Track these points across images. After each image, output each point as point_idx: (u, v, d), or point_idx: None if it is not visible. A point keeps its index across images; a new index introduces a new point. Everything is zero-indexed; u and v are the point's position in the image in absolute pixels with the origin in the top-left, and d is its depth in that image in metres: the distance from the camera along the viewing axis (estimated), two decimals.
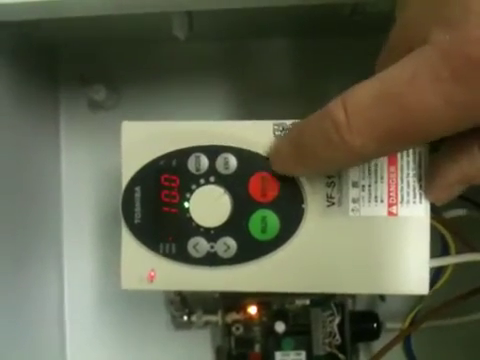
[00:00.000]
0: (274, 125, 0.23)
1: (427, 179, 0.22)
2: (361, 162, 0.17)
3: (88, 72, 0.37)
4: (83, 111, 0.37)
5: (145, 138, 0.24)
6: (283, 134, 0.22)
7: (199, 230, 0.23)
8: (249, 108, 0.34)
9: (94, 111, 0.37)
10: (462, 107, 0.15)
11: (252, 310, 0.33)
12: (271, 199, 0.23)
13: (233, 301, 0.33)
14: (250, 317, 0.33)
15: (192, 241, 0.23)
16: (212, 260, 0.23)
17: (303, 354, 0.33)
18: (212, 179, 0.23)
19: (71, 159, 0.38)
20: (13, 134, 0.32)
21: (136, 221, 0.24)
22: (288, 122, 0.23)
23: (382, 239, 0.23)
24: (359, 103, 0.16)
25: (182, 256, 0.23)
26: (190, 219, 0.23)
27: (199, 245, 0.23)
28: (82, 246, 0.38)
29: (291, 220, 0.23)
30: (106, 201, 0.38)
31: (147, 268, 0.24)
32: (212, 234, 0.23)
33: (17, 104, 0.33)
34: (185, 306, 0.34)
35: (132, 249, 0.24)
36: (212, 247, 0.23)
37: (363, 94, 0.16)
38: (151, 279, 0.24)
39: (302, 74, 0.35)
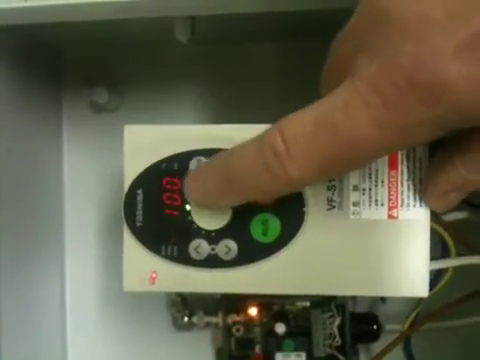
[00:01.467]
0: None
1: (423, 187, 0.22)
2: (297, 190, 0.18)
3: (91, 74, 0.37)
4: (86, 113, 0.38)
5: (147, 141, 0.24)
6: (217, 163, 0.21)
7: (200, 232, 0.24)
8: (252, 111, 0.34)
9: (97, 113, 0.37)
10: (395, 131, 0.15)
11: (253, 311, 0.33)
12: (272, 203, 0.23)
13: (234, 302, 0.33)
14: (251, 318, 0.33)
15: (193, 243, 0.24)
16: (213, 262, 0.23)
17: (303, 355, 0.33)
18: None
19: (73, 161, 0.38)
20: (16, 136, 0.32)
21: (138, 224, 0.24)
22: None
23: (382, 242, 0.23)
24: (297, 132, 0.16)
25: (183, 258, 0.24)
26: (191, 222, 0.24)
27: (200, 247, 0.24)
28: (84, 247, 0.38)
29: (292, 223, 0.23)
30: (108, 202, 0.38)
31: (149, 270, 0.24)
32: (213, 236, 0.23)
33: (20, 106, 0.33)
34: (186, 307, 0.35)
35: (134, 251, 0.24)
36: (213, 249, 0.24)
37: (300, 123, 0.16)
38: (153, 281, 0.24)
39: (305, 77, 0.35)
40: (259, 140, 0.18)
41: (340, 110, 0.15)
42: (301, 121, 0.16)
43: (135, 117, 0.37)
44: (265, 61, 0.36)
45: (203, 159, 0.24)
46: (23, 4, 0.24)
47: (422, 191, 0.22)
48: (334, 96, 0.16)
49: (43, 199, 0.36)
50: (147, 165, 0.24)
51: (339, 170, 0.17)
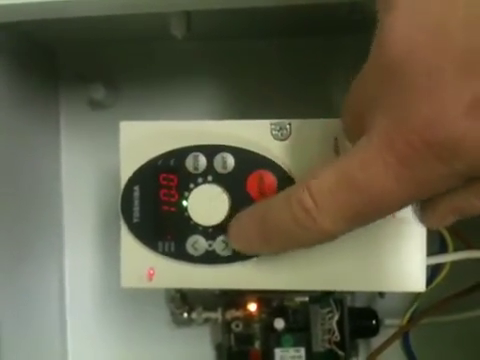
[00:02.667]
0: (271, 124, 0.23)
1: (419, 208, 0.22)
2: (331, 240, 0.18)
3: (87, 71, 0.37)
4: (83, 109, 0.37)
5: (143, 138, 0.24)
6: (250, 210, 0.22)
7: (198, 228, 0.24)
8: (248, 107, 0.34)
9: (94, 109, 0.37)
10: (413, 185, 0.16)
11: (252, 307, 0.33)
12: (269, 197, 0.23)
13: (233, 298, 0.33)
14: (250, 314, 0.33)
15: (191, 239, 0.24)
16: (211, 258, 0.23)
17: (302, 351, 0.33)
18: (210, 178, 0.24)
19: (71, 157, 0.38)
20: (13, 133, 0.32)
21: (135, 220, 0.24)
22: (285, 121, 0.24)
23: (379, 237, 0.23)
24: (323, 189, 0.17)
25: (181, 254, 0.24)
26: (188, 218, 0.24)
27: (198, 243, 0.24)
28: (83, 243, 0.38)
29: None
30: (106, 198, 0.38)
31: (146, 266, 0.24)
32: (210, 232, 0.23)
33: (17, 103, 0.33)
34: (185, 303, 0.35)
35: (131, 248, 0.24)
36: (210, 245, 0.23)
37: (325, 180, 0.17)
38: (150, 277, 0.24)
39: (302, 73, 0.35)
40: (288, 197, 0.19)
41: (360, 168, 0.16)
42: (326, 178, 0.17)
43: (132, 113, 0.36)
44: (262, 57, 0.35)
45: (199, 155, 0.24)
46: (17, 1, 0.24)
47: (417, 210, 0.22)
48: (354, 153, 0.17)
49: (41, 195, 0.36)
50: (143, 161, 0.24)
51: (367, 220, 0.18)
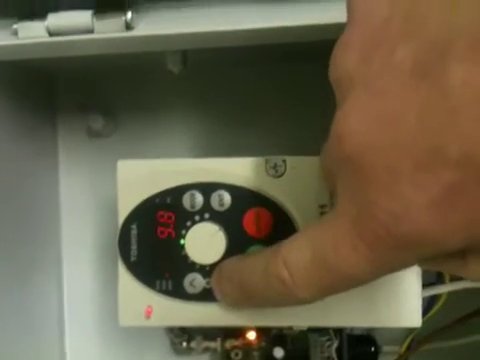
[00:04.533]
0: (266, 161, 0.24)
1: None
2: (307, 304, 0.20)
3: (85, 100, 0.37)
4: (81, 139, 0.38)
5: (140, 176, 0.24)
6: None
7: (195, 267, 0.24)
8: (247, 137, 0.34)
9: (92, 139, 0.38)
10: (383, 266, 0.17)
11: (251, 336, 0.33)
12: (265, 234, 0.24)
13: (232, 327, 0.33)
14: (249, 343, 0.33)
15: (188, 278, 0.24)
16: (209, 296, 0.24)
17: None
18: (207, 216, 0.24)
19: (69, 185, 0.38)
20: (12, 162, 0.33)
21: (133, 259, 0.24)
22: (280, 158, 0.24)
23: None
24: (298, 266, 0.18)
25: (178, 292, 0.24)
26: (186, 256, 0.24)
27: (195, 281, 0.24)
28: (81, 270, 0.38)
29: None
30: (104, 226, 0.38)
31: (144, 305, 0.24)
32: (208, 270, 0.24)
33: (15, 132, 0.33)
34: (184, 332, 0.35)
35: (129, 286, 0.24)
36: (208, 283, 0.24)
37: (299, 253, 0.18)
38: (148, 315, 0.24)
39: (301, 100, 0.35)
40: (266, 267, 0.20)
41: (332, 249, 0.17)
42: (300, 250, 0.18)
43: (130, 143, 0.37)
44: (260, 85, 0.36)
45: (196, 193, 0.24)
46: (14, 42, 0.24)
47: None
48: (327, 229, 0.17)
49: (39, 224, 0.36)
50: (141, 200, 0.24)
51: (341, 291, 0.19)
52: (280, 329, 0.33)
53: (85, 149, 0.38)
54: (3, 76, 0.32)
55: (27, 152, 0.35)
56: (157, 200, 0.24)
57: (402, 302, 0.23)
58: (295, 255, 0.18)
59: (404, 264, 0.17)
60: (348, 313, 0.23)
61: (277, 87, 0.36)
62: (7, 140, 0.32)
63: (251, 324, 0.24)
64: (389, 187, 0.15)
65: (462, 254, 0.17)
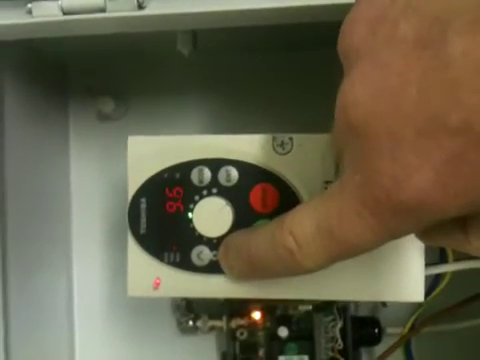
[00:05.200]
0: (274, 139, 0.24)
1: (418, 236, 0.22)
2: (312, 273, 0.20)
3: (96, 84, 0.38)
4: (92, 122, 0.38)
5: (150, 152, 0.25)
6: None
7: (202, 239, 0.24)
8: (255, 120, 0.35)
9: (102, 122, 0.38)
10: (386, 233, 0.17)
11: (256, 315, 0.34)
12: (271, 210, 0.24)
13: (237, 307, 0.34)
14: (254, 322, 0.34)
15: (196, 250, 0.24)
16: (215, 268, 0.24)
17: (306, 359, 0.33)
18: (215, 191, 0.24)
19: (80, 169, 0.39)
20: (23, 146, 0.33)
21: (142, 231, 0.25)
22: (287, 135, 0.24)
23: (379, 248, 0.23)
24: (305, 236, 0.19)
25: (186, 265, 0.24)
26: (194, 229, 0.24)
27: (203, 254, 0.24)
28: (91, 254, 0.38)
29: None
30: (114, 209, 0.38)
31: (153, 276, 0.25)
32: (215, 243, 0.24)
33: (27, 117, 0.34)
34: (190, 311, 0.35)
35: (138, 258, 0.25)
36: (215, 255, 0.24)
37: (305, 224, 0.19)
38: (156, 287, 0.25)
39: (308, 86, 0.36)
40: (273, 238, 0.20)
41: (337, 219, 0.17)
42: (306, 222, 0.19)
43: (140, 126, 0.37)
44: (268, 70, 0.36)
45: (204, 169, 0.24)
46: (28, 20, 0.25)
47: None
48: (332, 200, 0.18)
49: (50, 207, 0.36)
50: (150, 174, 0.25)
51: (346, 259, 0.19)
52: (285, 309, 0.34)
53: (96, 132, 0.38)
54: (16, 60, 0.32)
55: (38, 135, 0.35)
56: (166, 175, 0.25)
57: (405, 277, 0.23)
58: (301, 224, 0.19)
59: (406, 231, 0.17)
60: (352, 287, 0.24)
61: (284, 73, 0.36)
62: (18, 124, 0.33)
63: (257, 296, 0.24)
64: (391, 153, 0.15)
65: (464, 228, 0.17)
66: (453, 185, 0.15)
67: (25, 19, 0.25)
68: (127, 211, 0.25)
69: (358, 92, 0.16)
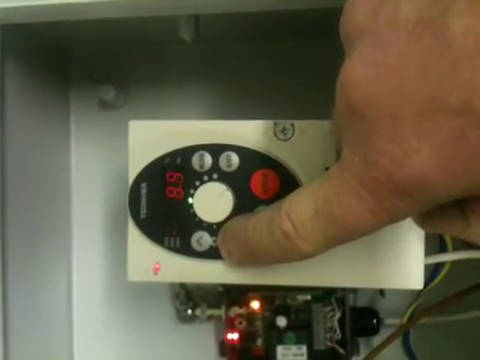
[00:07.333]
0: (275, 125, 0.24)
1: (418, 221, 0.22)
2: (311, 258, 0.20)
3: (98, 72, 0.38)
4: (93, 110, 0.38)
5: (151, 137, 0.25)
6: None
7: (202, 225, 0.24)
8: (254, 107, 0.35)
9: (103, 110, 0.38)
10: (386, 215, 0.17)
11: (255, 305, 0.34)
12: (272, 195, 0.24)
13: (236, 295, 0.34)
14: (253, 311, 0.34)
15: (196, 235, 0.24)
16: (215, 254, 0.24)
17: (304, 348, 0.34)
18: (215, 176, 0.24)
19: (81, 156, 0.39)
20: (24, 132, 0.33)
21: (142, 216, 0.25)
22: (289, 122, 0.24)
23: (378, 235, 0.23)
24: (303, 219, 0.19)
25: (186, 250, 0.24)
26: (194, 214, 0.24)
27: (202, 239, 0.24)
28: (91, 241, 0.39)
29: None
30: (115, 197, 0.38)
31: (152, 261, 0.25)
32: (215, 229, 0.24)
33: (28, 103, 0.34)
34: (189, 300, 0.35)
35: (138, 242, 0.25)
36: (215, 241, 0.24)
37: (303, 207, 0.19)
38: (156, 271, 0.25)
39: (307, 75, 0.36)
40: (270, 223, 0.20)
41: (336, 199, 0.17)
42: (305, 207, 0.19)
43: (141, 113, 0.37)
44: (268, 58, 0.36)
45: (205, 154, 0.24)
46: (31, 2, 0.25)
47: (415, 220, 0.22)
48: (330, 182, 0.18)
49: (51, 194, 0.36)
50: (151, 159, 0.25)
51: (344, 243, 0.19)
52: (284, 299, 0.34)
53: (96, 120, 0.38)
54: (18, 46, 0.32)
55: (39, 123, 0.35)
56: (167, 160, 0.25)
57: (405, 264, 0.23)
58: (298, 208, 0.19)
59: (405, 213, 0.17)
60: (352, 274, 0.24)
61: (285, 60, 0.36)
62: (19, 111, 0.33)
63: (255, 282, 0.24)
64: (391, 134, 0.15)
65: (464, 213, 0.17)
66: (453, 165, 0.15)
67: (27, 2, 0.25)
68: (127, 195, 0.25)
69: (359, 72, 0.16)
